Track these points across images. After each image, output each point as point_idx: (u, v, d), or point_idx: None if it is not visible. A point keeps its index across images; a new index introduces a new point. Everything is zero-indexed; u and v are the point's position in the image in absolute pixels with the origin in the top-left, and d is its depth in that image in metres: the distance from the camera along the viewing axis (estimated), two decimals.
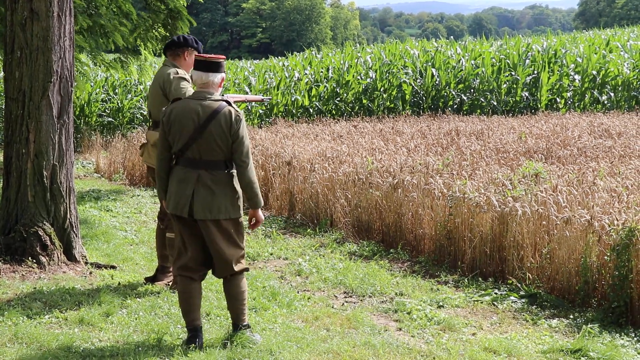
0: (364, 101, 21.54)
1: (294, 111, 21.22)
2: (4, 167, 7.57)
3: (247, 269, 5.78)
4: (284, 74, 22.74)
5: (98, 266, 7.70)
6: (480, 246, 8.40)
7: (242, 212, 5.72)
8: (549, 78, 21.33)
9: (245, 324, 5.75)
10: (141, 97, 23.01)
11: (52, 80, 7.30)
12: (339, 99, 21.60)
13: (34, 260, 7.23)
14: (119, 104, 22.13)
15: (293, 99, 21.32)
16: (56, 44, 7.29)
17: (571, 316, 7.01)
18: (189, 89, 6.93)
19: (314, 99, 21.67)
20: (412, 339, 6.24)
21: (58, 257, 7.36)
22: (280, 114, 21.09)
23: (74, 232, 7.61)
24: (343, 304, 7.31)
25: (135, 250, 9.13)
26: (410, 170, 10.23)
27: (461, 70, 21.95)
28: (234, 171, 5.60)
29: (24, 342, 5.54)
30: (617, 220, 7.34)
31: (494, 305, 7.37)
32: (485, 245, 8.39)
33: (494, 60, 22.20)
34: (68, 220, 7.54)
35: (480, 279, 8.16)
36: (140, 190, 14.69)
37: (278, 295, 7.15)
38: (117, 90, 23.28)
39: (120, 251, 8.91)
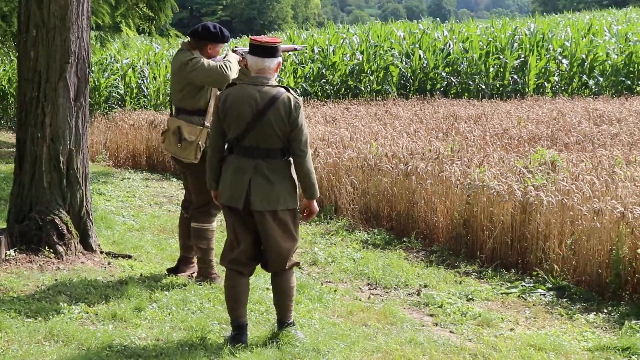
0: (351, 83, 21.29)
1: None
2: (17, 151, 7.24)
3: (298, 264, 5.57)
4: None
5: (114, 256, 7.42)
6: (501, 236, 8.25)
7: (298, 202, 5.50)
8: (537, 62, 21.22)
9: (291, 321, 5.54)
10: (118, 76, 22.55)
11: (70, 61, 6.98)
12: (324, 80, 21.35)
13: (51, 250, 6.91)
14: (95, 82, 21.65)
15: (277, 80, 21.01)
16: (74, 22, 6.96)
17: (605, 310, 6.86)
18: (213, 61, 6.62)
19: (299, 80, 21.38)
20: (452, 336, 6.07)
21: (75, 247, 7.05)
22: None
23: (90, 220, 7.32)
24: (369, 297, 7.13)
25: (141, 238, 8.85)
26: (421, 156, 10.04)
27: (449, 53, 21.76)
28: (291, 159, 5.38)
29: (61, 340, 5.24)
30: None
31: (523, 298, 7.23)
32: (507, 236, 8.24)
33: (481, 43, 22.03)
34: (84, 207, 7.25)
35: (503, 270, 8.01)
36: (130, 172, 14.41)
37: (305, 288, 6.92)
38: (93, 69, 22.79)
39: (127, 239, 8.62)
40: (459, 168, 9.27)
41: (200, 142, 6.62)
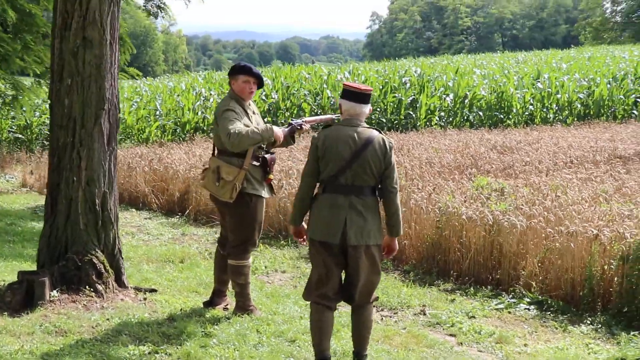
0: (269, 119, 20.77)
1: (204, 128, 20.17)
2: (48, 194, 6.44)
3: (377, 298, 5.09)
4: (192, 94, 21.65)
5: (142, 291, 6.69)
6: (475, 256, 7.98)
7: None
8: (427, 99, 21.28)
9: (366, 353, 5.04)
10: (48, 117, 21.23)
11: (105, 107, 6.26)
12: None
13: (92, 289, 6.11)
14: (27, 121, 20.34)
15: (204, 117, 20.27)
16: (108, 71, 6.25)
17: (586, 321, 6.67)
18: (234, 123, 5.89)
19: None
20: (489, 356, 5.70)
21: (112, 285, 6.29)
22: (192, 131, 20.03)
23: (121, 257, 6.57)
24: (382, 318, 6.68)
25: (139, 269, 8.07)
26: None
27: None
28: (378, 197, 4.92)
29: None
30: (619, 233, 7.09)
31: (512, 313, 6.95)
32: (479, 255, 7.98)
33: (377, 84, 21.95)
34: (117, 246, 6.50)
35: (478, 286, 7.73)
36: None
37: None
38: (24, 109, 21.37)
39: (130, 271, 7.82)
40: (425, 196, 8.97)
41: (237, 183, 6.00)
